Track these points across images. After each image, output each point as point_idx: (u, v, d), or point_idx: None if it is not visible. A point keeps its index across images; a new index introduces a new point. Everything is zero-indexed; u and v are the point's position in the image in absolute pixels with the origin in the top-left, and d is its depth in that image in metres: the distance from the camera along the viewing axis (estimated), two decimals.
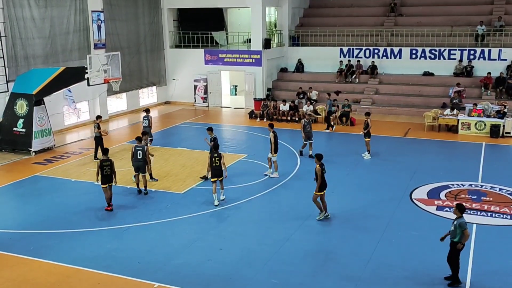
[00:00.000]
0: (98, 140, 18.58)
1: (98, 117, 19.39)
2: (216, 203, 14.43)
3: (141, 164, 15.25)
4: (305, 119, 19.24)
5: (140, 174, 15.42)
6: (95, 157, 18.55)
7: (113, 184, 14.26)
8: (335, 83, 29.47)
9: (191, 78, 30.41)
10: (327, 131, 23.49)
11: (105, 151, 15.00)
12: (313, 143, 19.05)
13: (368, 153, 19.09)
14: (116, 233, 12.88)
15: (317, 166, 13.21)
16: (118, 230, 13.05)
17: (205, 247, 12.12)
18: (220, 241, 12.39)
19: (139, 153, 15.19)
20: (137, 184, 15.58)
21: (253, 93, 28.97)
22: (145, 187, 15.50)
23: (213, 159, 14.26)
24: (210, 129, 16.71)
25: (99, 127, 18.52)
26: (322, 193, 13.33)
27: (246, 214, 14.06)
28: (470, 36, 28.32)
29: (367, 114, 19.44)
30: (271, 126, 17.18)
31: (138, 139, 15.58)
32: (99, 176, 14.08)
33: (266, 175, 17.00)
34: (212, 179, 14.47)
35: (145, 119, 19.49)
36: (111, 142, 21.21)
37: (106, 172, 13.97)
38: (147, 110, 20.13)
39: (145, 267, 11.09)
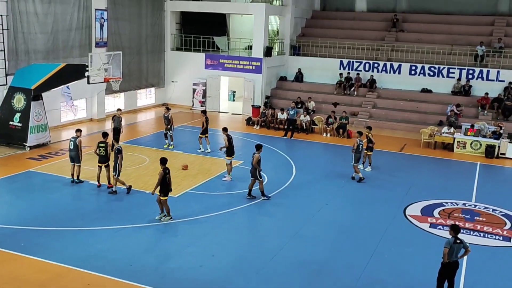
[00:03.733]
0: (118, 131, 20.10)
1: (119, 109, 21.00)
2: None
3: (74, 154, 16.16)
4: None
5: (76, 165, 16.20)
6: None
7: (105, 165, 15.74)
8: (333, 95, 29.56)
9: (190, 81, 30.40)
10: (284, 137, 24.09)
11: (105, 135, 16.28)
12: (306, 155, 19.02)
13: (369, 166, 19.20)
14: (108, 233, 12.80)
15: (160, 170, 13.42)
16: (111, 230, 12.97)
17: (198, 252, 12.08)
18: (213, 247, 12.34)
19: (72, 143, 16.18)
20: (72, 175, 16.32)
21: (251, 99, 29.00)
22: (78, 176, 16.34)
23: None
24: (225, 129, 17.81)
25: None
26: (167, 197, 13.54)
27: (240, 221, 14.02)
28: (470, 56, 28.52)
29: (369, 128, 19.83)
30: (225, 129, 17.68)
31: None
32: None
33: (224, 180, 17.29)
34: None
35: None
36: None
37: (101, 152, 15.70)
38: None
39: (136, 270, 11.02)
